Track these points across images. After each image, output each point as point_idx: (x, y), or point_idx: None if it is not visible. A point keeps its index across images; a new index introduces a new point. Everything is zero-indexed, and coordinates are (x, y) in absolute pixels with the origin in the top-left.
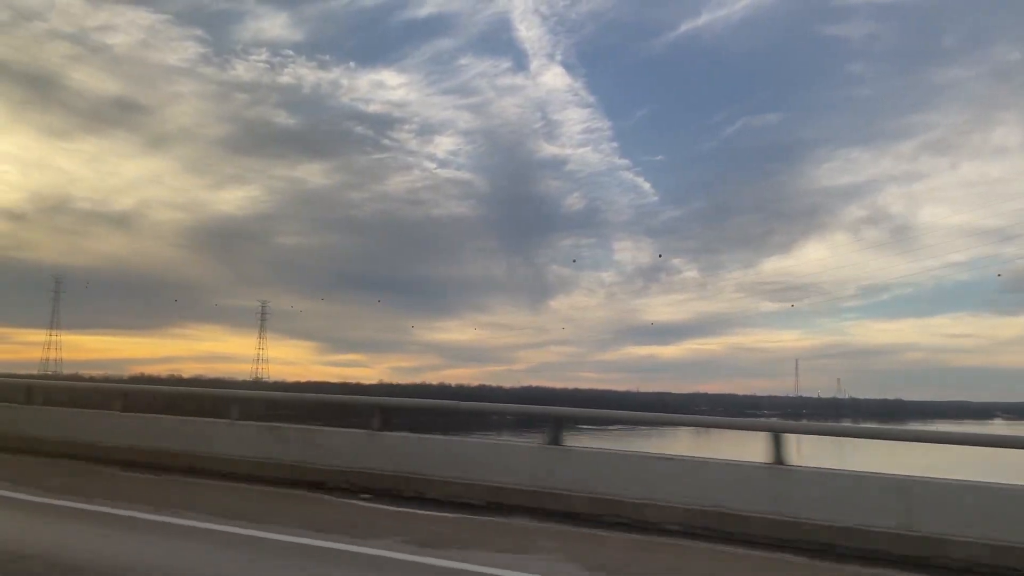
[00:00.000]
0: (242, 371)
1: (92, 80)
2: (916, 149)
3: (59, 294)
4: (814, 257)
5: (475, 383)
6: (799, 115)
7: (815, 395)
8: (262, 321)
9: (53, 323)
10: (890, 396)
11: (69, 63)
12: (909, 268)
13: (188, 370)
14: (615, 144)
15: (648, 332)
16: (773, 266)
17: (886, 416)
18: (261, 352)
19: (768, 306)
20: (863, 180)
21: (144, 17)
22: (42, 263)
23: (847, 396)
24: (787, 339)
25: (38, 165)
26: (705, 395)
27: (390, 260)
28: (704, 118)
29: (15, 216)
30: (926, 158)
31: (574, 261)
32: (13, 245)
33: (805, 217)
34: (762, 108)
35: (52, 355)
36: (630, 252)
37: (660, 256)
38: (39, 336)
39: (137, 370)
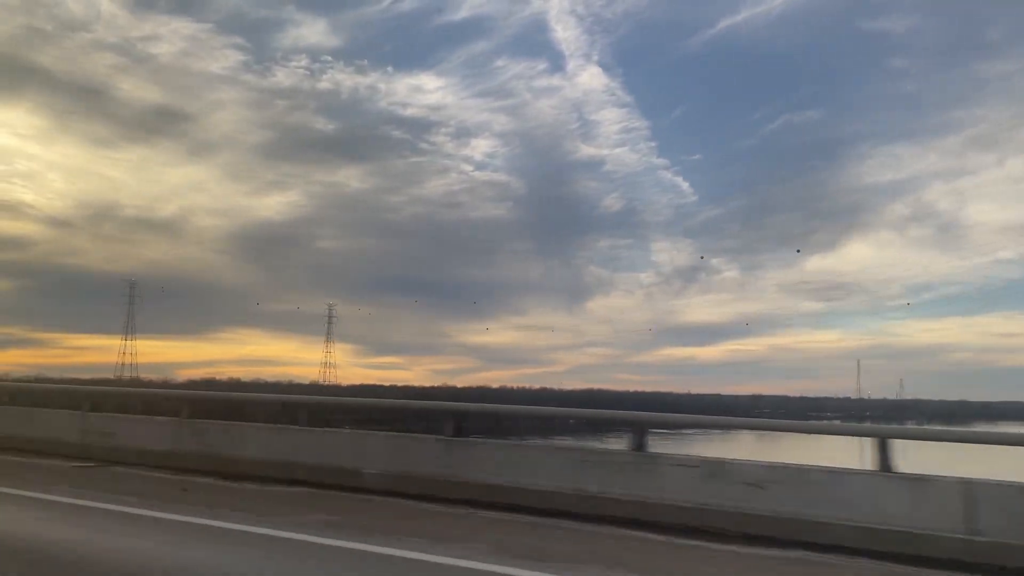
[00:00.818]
0: (278, 374)
1: (136, 89)
2: (962, 144)
3: (132, 299)
4: (857, 256)
5: (513, 385)
6: (841, 111)
7: (866, 396)
8: (329, 325)
9: (128, 328)
10: (946, 397)
11: (114, 73)
12: (955, 266)
13: (229, 374)
14: (653, 144)
15: (687, 333)
16: (815, 265)
17: (950, 418)
18: (328, 356)
19: (809, 306)
20: (907, 176)
21: (187, 27)
22: (88, 270)
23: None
24: (828, 339)
25: (83, 173)
26: (765, 397)
27: (428, 263)
28: (743, 116)
29: (61, 223)
30: (972, 154)
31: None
32: (59, 252)
33: (847, 215)
34: (803, 105)
35: (128, 359)
36: (668, 253)
37: (702, 258)
38: (85, 341)
39: (182, 374)
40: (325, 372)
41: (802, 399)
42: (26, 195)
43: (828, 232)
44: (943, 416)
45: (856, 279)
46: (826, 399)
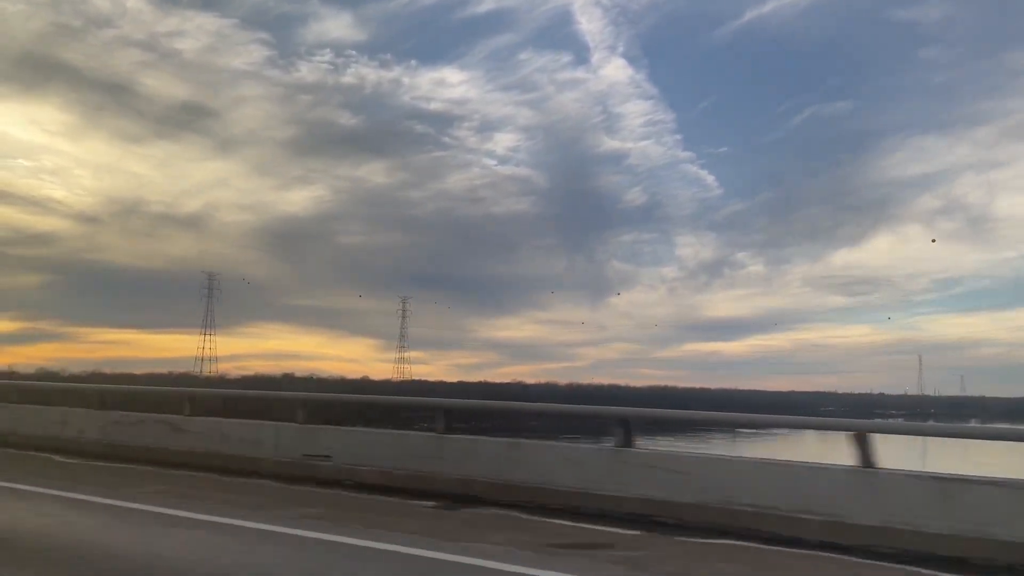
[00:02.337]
0: (304, 368)
1: (162, 85)
2: (994, 136)
3: (212, 292)
4: (884, 249)
5: (534, 381)
6: (870, 103)
7: (902, 392)
8: (403, 318)
9: (207, 322)
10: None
11: (140, 69)
12: (986, 259)
13: (255, 368)
14: (678, 136)
15: (711, 328)
16: (842, 259)
17: (1015, 415)
18: (401, 353)
19: (836, 300)
20: (937, 169)
21: (212, 22)
22: (115, 265)
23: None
24: (855, 334)
25: (110, 169)
26: (831, 394)
27: (450, 258)
28: (770, 108)
29: (89, 219)
30: (1005, 145)
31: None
32: (87, 247)
33: (875, 208)
34: (831, 96)
35: (207, 352)
36: (692, 247)
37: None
38: (114, 335)
39: (210, 368)
40: (399, 370)
41: (870, 396)
42: (55, 191)
43: (855, 226)
44: (1009, 414)
45: (883, 273)
46: (895, 396)
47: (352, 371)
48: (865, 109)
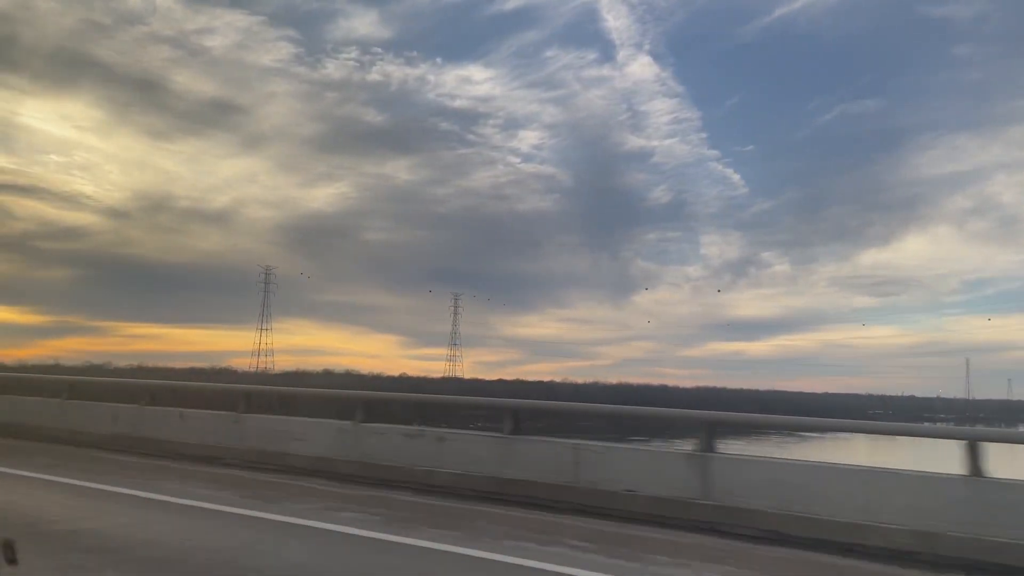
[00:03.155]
0: (331, 364)
1: (191, 82)
2: None
3: (268, 286)
4: (914, 250)
5: (557, 379)
6: (900, 101)
7: (936, 395)
8: (455, 316)
9: (264, 317)
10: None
11: (170, 66)
12: (1018, 260)
13: (280, 364)
14: (704, 135)
15: (735, 328)
16: (870, 260)
17: None
18: (454, 352)
19: (863, 301)
20: (969, 168)
21: (240, 19)
22: (143, 259)
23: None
24: (883, 335)
25: (139, 165)
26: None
27: (474, 255)
28: (798, 106)
29: (118, 214)
30: None
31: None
32: (117, 242)
33: (905, 208)
34: (860, 94)
35: (264, 345)
36: (717, 246)
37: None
38: (142, 329)
39: (233, 363)
40: (451, 368)
41: (917, 399)
42: (85, 186)
43: (884, 225)
44: None
45: (912, 274)
46: (933, 400)
47: (375, 367)
48: (896, 107)
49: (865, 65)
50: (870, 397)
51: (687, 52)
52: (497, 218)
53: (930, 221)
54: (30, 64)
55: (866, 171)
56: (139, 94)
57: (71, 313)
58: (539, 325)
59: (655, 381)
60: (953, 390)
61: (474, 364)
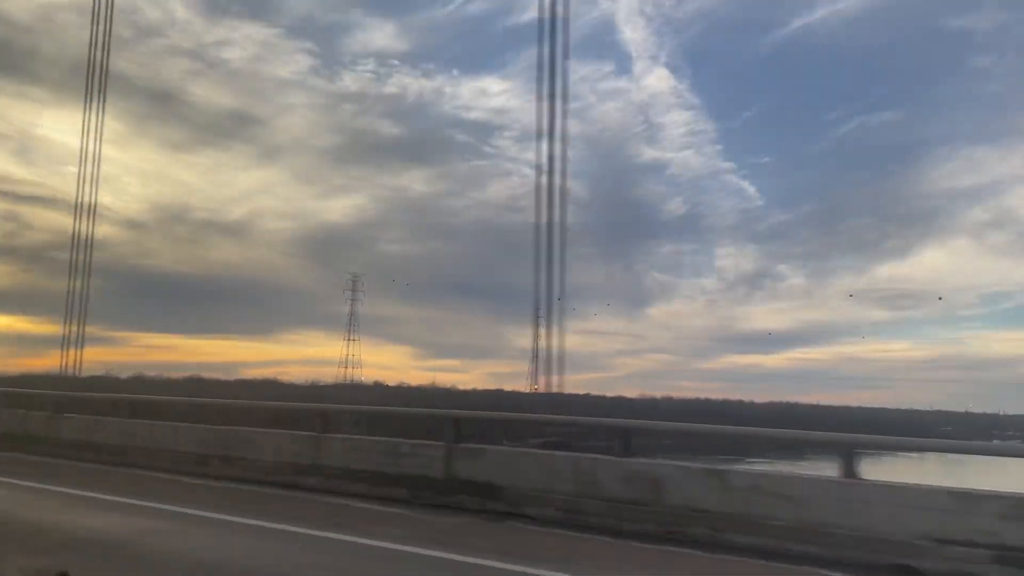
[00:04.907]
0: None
1: (209, 94)
2: None
3: (355, 294)
4: (931, 263)
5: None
6: (919, 113)
7: (964, 410)
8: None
9: (351, 326)
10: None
11: (188, 78)
12: None
13: (293, 374)
14: (719, 147)
15: (750, 340)
16: (887, 273)
17: None
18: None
19: (879, 314)
20: (988, 181)
21: (258, 32)
22: (161, 270)
23: None
24: (898, 349)
25: (157, 177)
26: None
27: (488, 266)
28: (815, 118)
29: (137, 225)
30: None
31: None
32: (136, 253)
33: (923, 221)
34: (878, 106)
35: (352, 356)
36: (733, 259)
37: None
38: (158, 340)
39: (247, 373)
40: (532, 383)
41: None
42: (103, 197)
43: (901, 239)
44: None
45: (930, 288)
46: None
47: (388, 378)
48: (914, 119)
49: (883, 77)
50: (935, 413)
51: (704, 64)
52: (512, 230)
53: (948, 234)
54: (50, 76)
55: (883, 184)
56: (157, 106)
57: (89, 323)
58: (551, 336)
59: (675, 394)
60: (981, 405)
61: (485, 375)
